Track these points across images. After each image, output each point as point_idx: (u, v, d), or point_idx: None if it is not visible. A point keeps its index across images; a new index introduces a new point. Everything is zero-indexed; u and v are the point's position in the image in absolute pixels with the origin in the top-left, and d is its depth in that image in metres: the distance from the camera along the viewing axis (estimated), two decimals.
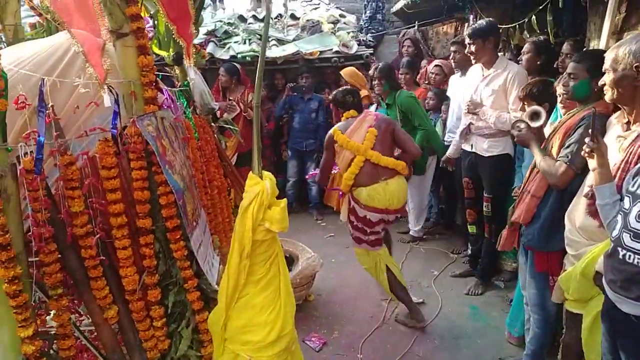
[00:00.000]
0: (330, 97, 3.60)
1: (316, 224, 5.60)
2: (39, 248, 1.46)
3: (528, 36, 3.98)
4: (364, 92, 5.40)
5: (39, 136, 1.44)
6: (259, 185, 1.77)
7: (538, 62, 3.54)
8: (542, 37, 3.66)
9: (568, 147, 2.27)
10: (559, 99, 2.87)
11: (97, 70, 1.65)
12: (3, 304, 1.40)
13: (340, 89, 3.69)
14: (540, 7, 3.66)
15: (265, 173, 1.84)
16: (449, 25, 6.04)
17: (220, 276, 2.03)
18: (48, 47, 1.93)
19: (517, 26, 4.11)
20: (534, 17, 3.79)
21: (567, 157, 2.25)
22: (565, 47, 3.38)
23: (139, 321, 1.74)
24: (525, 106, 3.17)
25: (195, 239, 1.88)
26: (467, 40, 3.60)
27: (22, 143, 1.44)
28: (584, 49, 3.18)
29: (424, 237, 4.98)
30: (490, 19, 3.79)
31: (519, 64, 3.66)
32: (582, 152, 1.90)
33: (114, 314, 1.67)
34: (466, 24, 5.42)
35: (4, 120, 1.42)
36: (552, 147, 2.42)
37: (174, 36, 2.20)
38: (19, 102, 1.45)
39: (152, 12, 2.64)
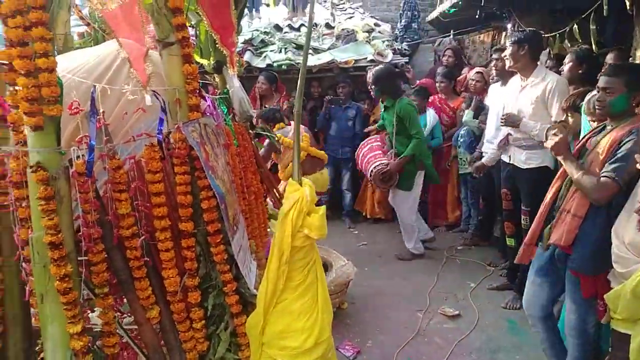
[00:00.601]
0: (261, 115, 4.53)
1: (349, 231, 5.58)
2: (88, 248, 1.51)
3: (569, 45, 3.90)
4: None
5: (90, 140, 1.50)
6: (299, 191, 1.78)
7: (580, 72, 3.44)
8: (584, 46, 3.57)
9: (615, 161, 2.16)
10: (584, 111, 2.78)
11: (139, 74, 1.72)
12: (54, 301, 1.46)
13: (266, 108, 4.84)
14: (583, 16, 3.58)
15: (305, 180, 1.86)
16: (486, 34, 5.99)
17: (258, 281, 2.05)
18: (96, 56, 2.01)
19: (558, 35, 4.03)
20: (575, 25, 3.71)
21: (614, 172, 2.14)
22: (610, 57, 3.30)
23: (180, 322, 1.78)
24: (569, 118, 3.10)
25: (235, 243, 1.90)
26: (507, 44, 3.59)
27: (75, 147, 1.50)
28: (628, 60, 3.10)
29: (459, 248, 4.90)
30: (534, 29, 3.72)
31: (559, 73, 3.57)
32: (638, 165, 1.83)
33: (156, 314, 1.71)
34: (504, 33, 5.36)
35: (59, 124, 1.49)
36: (591, 161, 2.30)
37: (217, 45, 2.26)
38: (73, 107, 1.51)
39: (193, 22, 2.72)
